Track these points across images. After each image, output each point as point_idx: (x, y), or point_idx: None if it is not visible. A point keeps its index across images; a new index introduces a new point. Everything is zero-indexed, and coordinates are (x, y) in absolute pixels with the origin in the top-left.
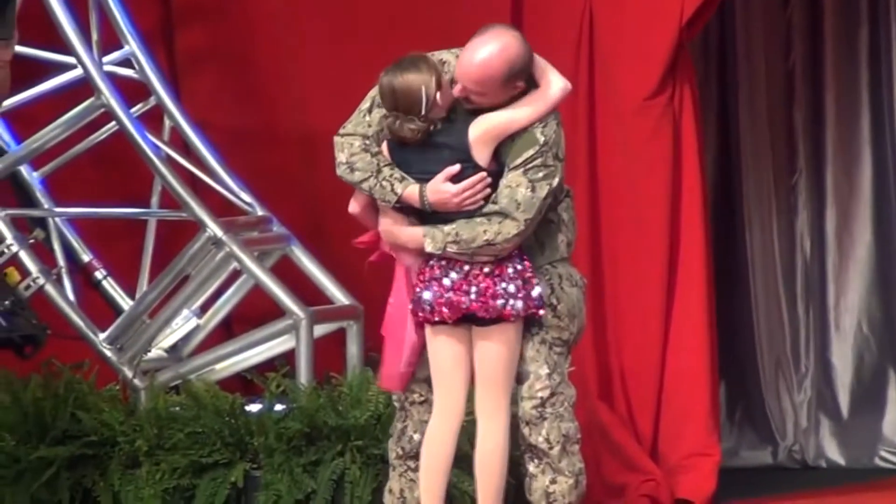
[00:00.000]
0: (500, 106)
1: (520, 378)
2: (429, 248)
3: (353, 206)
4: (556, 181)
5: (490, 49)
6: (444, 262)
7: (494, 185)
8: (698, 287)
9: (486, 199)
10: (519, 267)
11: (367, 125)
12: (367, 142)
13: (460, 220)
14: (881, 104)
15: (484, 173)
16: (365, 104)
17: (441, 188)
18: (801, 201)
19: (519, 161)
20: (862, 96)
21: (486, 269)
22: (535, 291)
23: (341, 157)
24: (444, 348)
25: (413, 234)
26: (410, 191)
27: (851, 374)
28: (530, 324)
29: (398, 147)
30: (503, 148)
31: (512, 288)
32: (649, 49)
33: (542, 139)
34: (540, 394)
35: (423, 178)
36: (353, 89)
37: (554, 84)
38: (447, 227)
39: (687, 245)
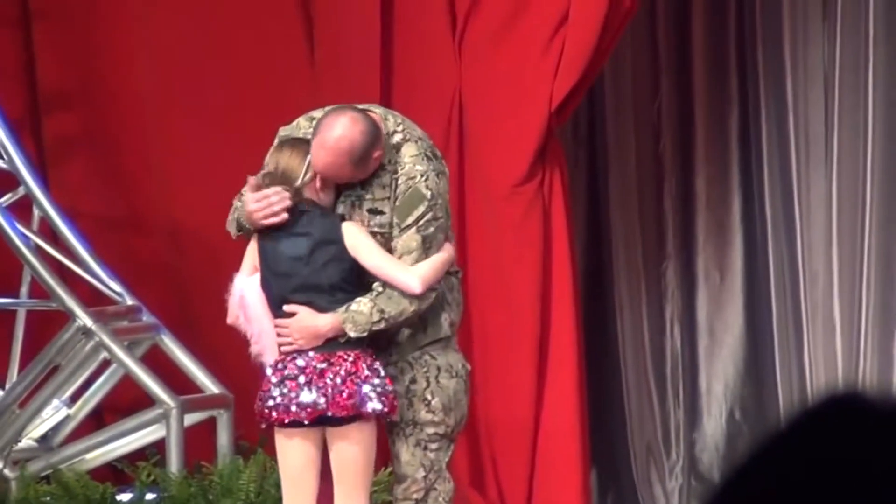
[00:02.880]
0: (369, 172)
1: (397, 478)
2: (353, 333)
3: (230, 319)
4: (446, 233)
5: (328, 149)
6: (296, 361)
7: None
8: (569, 372)
9: (289, 212)
10: (375, 364)
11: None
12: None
13: (369, 296)
14: (752, 190)
15: (282, 189)
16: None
17: (247, 196)
18: (672, 287)
19: (410, 220)
20: (733, 181)
21: (342, 369)
22: (388, 388)
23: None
24: (296, 451)
25: (329, 321)
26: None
27: (724, 462)
28: (404, 424)
29: (267, 237)
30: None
31: (367, 388)
32: (519, 135)
33: (428, 193)
34: (415, 496)
35: (291, 260)
36: (221, 176)
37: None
38: (364, 308)
39: (557, 330)
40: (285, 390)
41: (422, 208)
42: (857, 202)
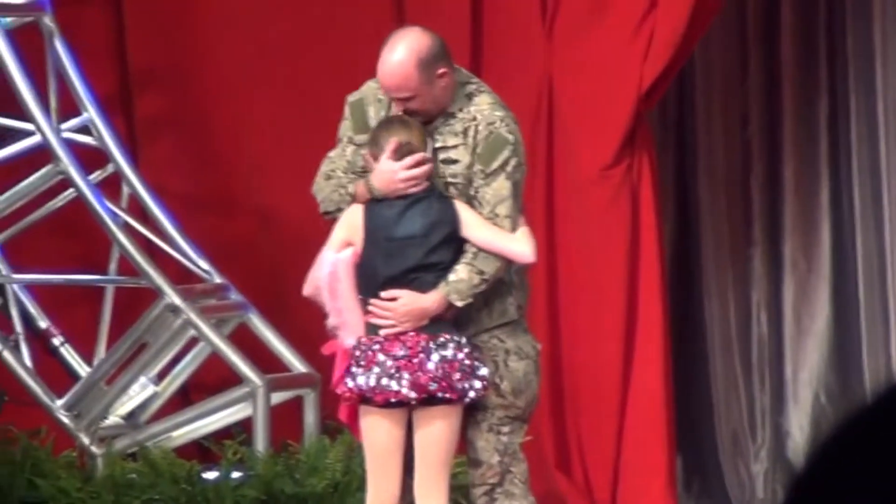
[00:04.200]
0: (439, 99)
1: (472, 463)
2: (459, 303)
3: (306, 290)
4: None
5: (395, 52)
6: (399, 341)
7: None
8: (656, 357)
9: (428, 178)
10: (473, 348)
11: (340, 157)
12: (332, 172)
13: (463, 263)
14: (839, 177)
15: (424, 153)
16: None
17: (385, 168)
18: (758, 273)
19: (496, 164)
20: (821, 168)
21: (448, 351)
22: (483, 371)
23: (318, 201)
24: (385, 432)
25: (432, 298)
26: (360, 186)
27: (809, 447)
28: (475, 409)
29: (375, 206)
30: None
31: (469, 365)
32: (608, 119)
33: (511, 137)
34: (491, 480)
35: (404, 240)
36: (309, 157)
37: (522, 246)
38: (463, 274)
39: (645, 314)
40: (392, 371)
41: (506, 152)
42: None
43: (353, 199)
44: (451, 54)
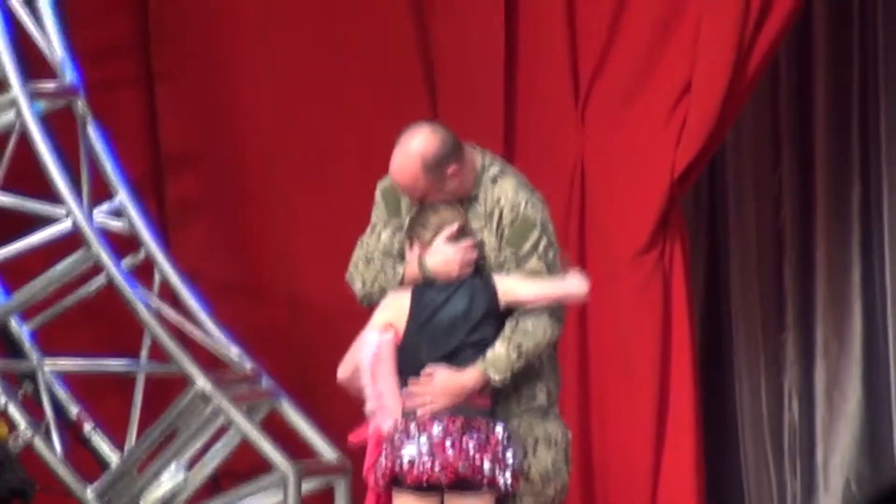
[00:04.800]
0: (455, 192)
1: None
2: (497, 378)
3: (342, 373)
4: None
5: (402, 155)
6: (436, 422)
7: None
8: (687, 441)
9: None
10: (508, 436)
11: (376, 241)
12: (370, 256)
13: (500, 339)
14: (871, 261)
15: (472, 239)
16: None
17: (443, 250)
18: (790, 358)
19: (528, 246)
20: (852, 254)
21: (482, 435)
22: (516, 461)
23: (356, 286)
24: None
25: (470, 375)
26: (410, 268)
27: None
28: (504, 496)
29: (424, 290)
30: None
31: (502, 453)
32: (641, 203)
33: (538, 217)
34: None
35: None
36: (341, 243)
37: (574, 283)
38: (501, 350)
39: (676, 399)
40: (425, 451)
41: (535, 233)
42: None
43: (402, 280)
44: (461, 149)
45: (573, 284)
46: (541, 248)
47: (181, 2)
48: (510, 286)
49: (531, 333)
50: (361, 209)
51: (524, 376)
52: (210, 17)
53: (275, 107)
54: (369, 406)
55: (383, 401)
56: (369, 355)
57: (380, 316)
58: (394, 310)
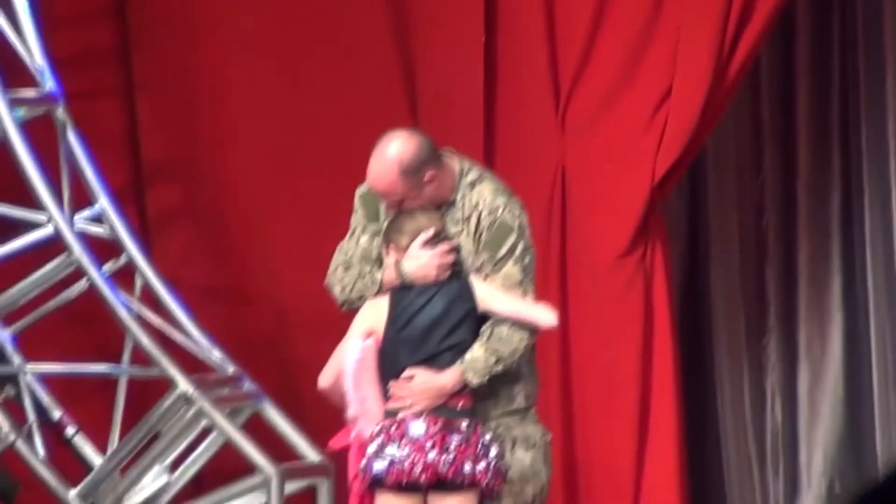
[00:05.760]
0: (432, 197)
1: None
2: (475, 381)
3: (324, 381)
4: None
5: (379, 160)
6: (415, 423)
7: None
8: (669, 444)
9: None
10: (489, 437)
11: (355, 247)
12: (349, 261)
13: (479, 342)
14: (853, 264)
15: (452, 242)
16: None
17: (418, 254)
18: (773, 360)
19: (504, 250)
20: (834, 257)
21: (462, 436)
22: (499, 461)
23: (335, 291)
24: None
25: (449, 377)
26: (388, 273)
27: None
28: (485, 497)
29: (402, 294)
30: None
31: (483, 462)
32: (621, 208)
33: (515, 223)
34: None
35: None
36: (323, 248)
37: (545, 312)
38: (479, 354)
39: (658, 402)
40: (405, 451)
41: (512, 238)
42: None
43: (380, 286)
44: (438, 154)
45: (544, 313)
46: (517, 251)
47: (161, 11)
48: (486, 295)
49: (506, 339)
50: (341, 215)
51: (502, 378)
52: (190, 27)
53: (255, 115)
54: (351, 412)
55: (366, 406)
56: (352, 362)
57: (359, 322)
58: (373, 316)
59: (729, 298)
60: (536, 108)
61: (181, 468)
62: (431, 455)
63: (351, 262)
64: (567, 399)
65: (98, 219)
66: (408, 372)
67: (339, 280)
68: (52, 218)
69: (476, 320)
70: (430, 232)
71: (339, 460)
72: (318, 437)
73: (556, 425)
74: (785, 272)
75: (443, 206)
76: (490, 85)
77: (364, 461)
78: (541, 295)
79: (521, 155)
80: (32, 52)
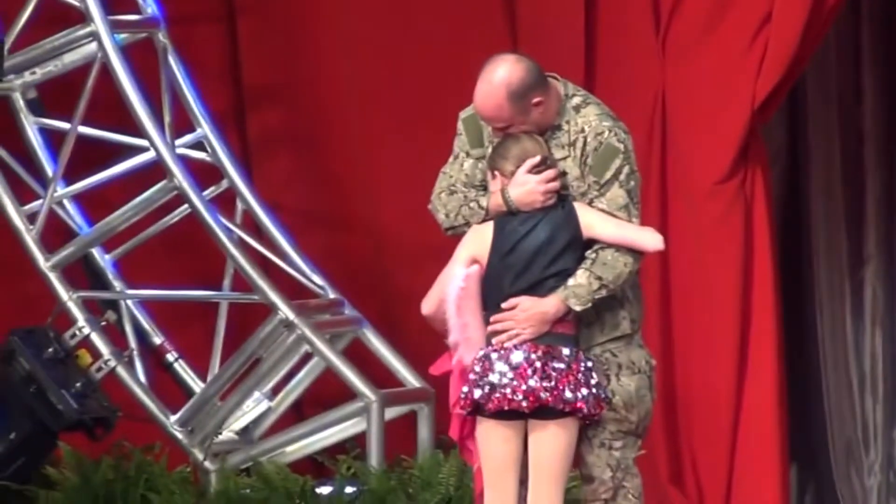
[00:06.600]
0: (538, 122)
1: (584, 479)
2: (578, 307)
3: (427, 307)
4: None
5: (486, 84)
6: (517, 351)
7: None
8: (769, 369)
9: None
10: (591, 363)
11: (458, 171)
12: (454, 186)
13: (582, 268)
14: None
15: (557, 168)
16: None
17: (525, 181)
18: (873, 285)
19: (609, 174)
20: None
21: (563, 363)
22: (600, 388)
23: (440, 216)
24: (503, 442)
25: (552, 303)
26: (494, 199)
27: None
28: (587, 424)
29: (507, 221)
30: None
31: (585, 389)
32: (722, 133)
33: (621, 146)
34: (604, 496)
35: (532, 252)
36: (423, 173)
37: (651, 235)
38: (582, 279)
39: (758, 327)
40: (506, 378)
41: (618, 161)
42: None
43: (486, 212)
44: (545, 79)
45: (650, 237)
46: (623, 175)
47: None
48: (591, 221)
49: (610, 265)
50: (442, 140)
51: (607, 304)
52: None
53: (355, 39)
54: (453, 338)
55: (468, 333)
56: (455, 289)
57: (463, 249)
58: (477, 243)
59: (829, 225)
60: (637, 33)
61: (282, 394)
62: (532, 382)
63: (455, 186)
64: (667, 324)
65: (199, 144)
66: (511, 301)
67: (443, 205)
68: (153, 143)
69: (580, 248)
70: (537, 158)
71: (439, 387)
72: (419, 363)
73: (655, 350)
74: (885, 199)
75: (547, 130)
76: (591, 11)
77: (465, 387)
78: (641, 219)
79: (621, 81)
80: None
